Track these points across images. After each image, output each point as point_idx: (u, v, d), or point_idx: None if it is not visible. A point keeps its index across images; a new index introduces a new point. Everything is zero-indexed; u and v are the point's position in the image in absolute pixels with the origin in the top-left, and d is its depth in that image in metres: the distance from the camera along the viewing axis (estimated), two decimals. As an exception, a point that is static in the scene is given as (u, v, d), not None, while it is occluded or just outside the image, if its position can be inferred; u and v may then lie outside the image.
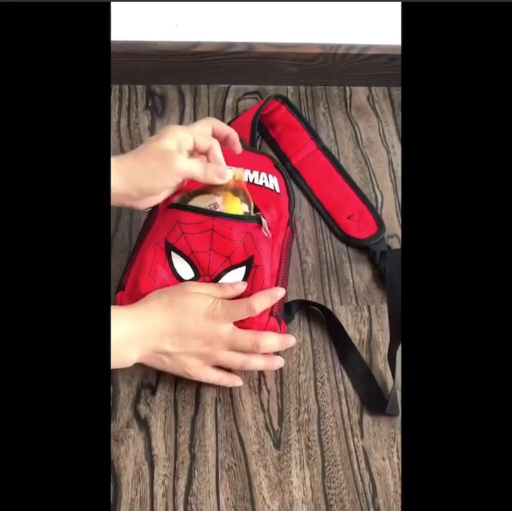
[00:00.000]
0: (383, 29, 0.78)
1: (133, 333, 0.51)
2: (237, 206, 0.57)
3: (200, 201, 0.58)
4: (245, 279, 0.56)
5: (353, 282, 0.66)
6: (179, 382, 0.58)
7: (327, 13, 0.77)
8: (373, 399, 0.58)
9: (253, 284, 0.55)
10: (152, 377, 0.58)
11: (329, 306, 0.64)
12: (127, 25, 0.76)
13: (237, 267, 0.55)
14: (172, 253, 0.56)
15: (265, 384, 0.59)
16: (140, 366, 0.58)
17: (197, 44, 0.78)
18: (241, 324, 0.54)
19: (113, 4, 0.72)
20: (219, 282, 0.56)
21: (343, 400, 0.58)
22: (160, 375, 0.59)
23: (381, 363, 0.60)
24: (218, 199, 0.57)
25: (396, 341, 0.58)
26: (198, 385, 0.58)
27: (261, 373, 0.59)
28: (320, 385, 0.59)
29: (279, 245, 0.60)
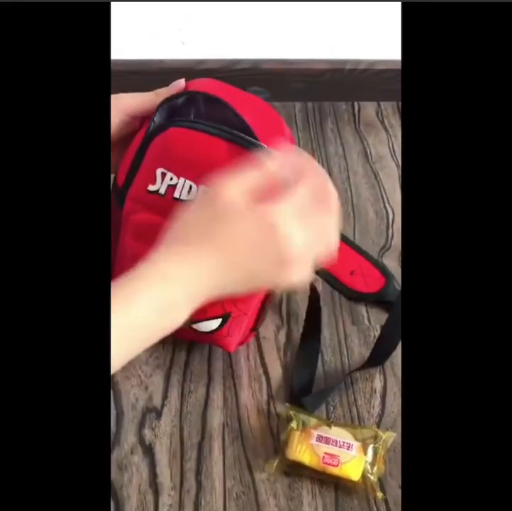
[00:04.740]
0: (390, 44, 0.77)
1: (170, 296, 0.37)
2: None
3: None
4: (220, 327, 0.51)
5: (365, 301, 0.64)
6: (184, 405, 0.56)
7: (334, 28, 0.76)
8: (297, 385, 0.57)
9: (230, 330, 0.52)
10: (157, 401, 0.56)
11: (340, 326, 0.62)
12: (133, 44, 0.76)
13: (212, 319, 0.51)
14: None
15: (275, 408, 0.56)
16: (144, 388, 0.57)
17: (203, 61, 0.78)
18: (208, 336, 0.52)
19: (119, 23, 0.72)
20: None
21: (356, 424, 0.56)
22: (166, 399, 0.57)
23: (394, 386, 0.58)
24: None
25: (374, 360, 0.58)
26: (205, 409, 0.56)
27: (270, 397, 0.57)
28: (332, 408, 0.57)
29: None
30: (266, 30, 0.76)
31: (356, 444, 0.50)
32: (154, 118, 0.47)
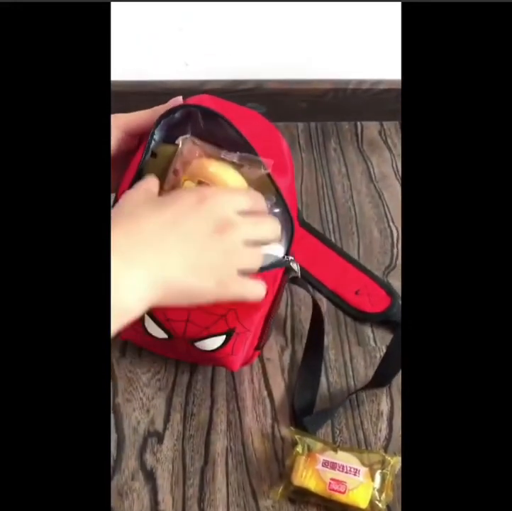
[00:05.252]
0: (392, 64, 0.77)
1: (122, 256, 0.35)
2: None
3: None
4: (224, 344, 0.50)
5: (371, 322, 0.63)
6: (187, 429, 0.55)
7: (337, 48, 0.77)
8: (299, 405, 0.56)
9: (234, 348, 0.52)
10: (158, 424, 0.55)
11: (345, 347, 0.61)
12: (136, 65, 0.76)
13: (215, 336, 0.50)
14: (145, 315, 0.50)
15: (279, 431, 0.55)
16: (145, 411, 0.55)
17: (206, 82, 0.78)
18: (211, 355, 0.51)
19: (123, 44, 0.73)
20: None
21: (363, 448, 0.54)
22: (168, 422, 0.55)
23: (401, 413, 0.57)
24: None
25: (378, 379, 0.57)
26: (208, 433, 0.55)
27: (275, 420, 0.56)
28: (337, 431, 0.55)
29: (270, 300, 0.52)
30: (268, 50, 0.76)
31: (363, 470, 0.49)
32: (154, 136, 0.47)
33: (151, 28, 0.72)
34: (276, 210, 0.47)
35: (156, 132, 0.47)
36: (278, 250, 0.49)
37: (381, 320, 0.63)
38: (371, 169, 0.79)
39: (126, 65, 0.75)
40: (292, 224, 0.48)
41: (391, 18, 0.73)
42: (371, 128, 0.84)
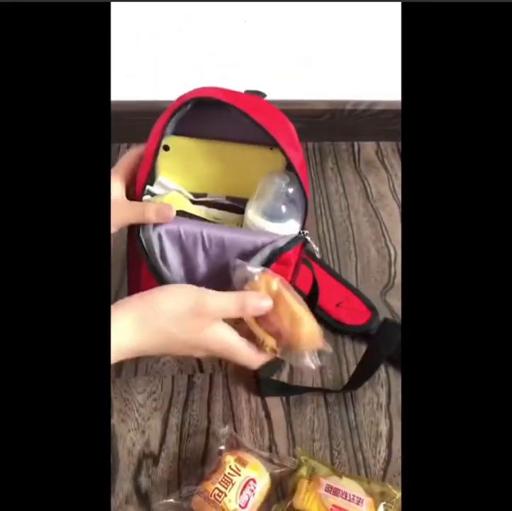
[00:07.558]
0: (390, 85, 0.78)
1: None
2: None
3: None
4: None
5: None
6: (183, 451, 0.54)
7: (335, 69, 0.78)
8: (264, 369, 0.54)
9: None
10: (154, 446, 0.54)
11: (344, 367, 0.61)
12: (138, 85, 0.77)
13: None
14: None
15: (277, 453, 0.54)
16: (141, 432, 0.55)
17: (205, 102, 0.79)
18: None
19: (125, 63, 0.74)
20: None
21: (362, 471, 0.53)
22: (163, 444, 0.54)
23: (400, 429, 0.56)
24: None
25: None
26: (204, 455, 0.54)
27: (272, 441, 0.55)
28: (336, 453, 0.54)
29: (291, 274, 0.53)
30: (266, 71, 0.77)
31: (367, 500, 0.47)
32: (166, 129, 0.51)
33: (151, 28, 0.73)
34: (291, 189, 0.50)
35: (169, 125, 0.50)
36: (294, 228, 0.51)
37: (360, 333, 0.63)
38: (368, 189, 0.79)
39: (129, 85, 0.76)
40: (306, 200, 0.50)
41: (389, 40, 0.74)
42: (368, 148, 0.85)
